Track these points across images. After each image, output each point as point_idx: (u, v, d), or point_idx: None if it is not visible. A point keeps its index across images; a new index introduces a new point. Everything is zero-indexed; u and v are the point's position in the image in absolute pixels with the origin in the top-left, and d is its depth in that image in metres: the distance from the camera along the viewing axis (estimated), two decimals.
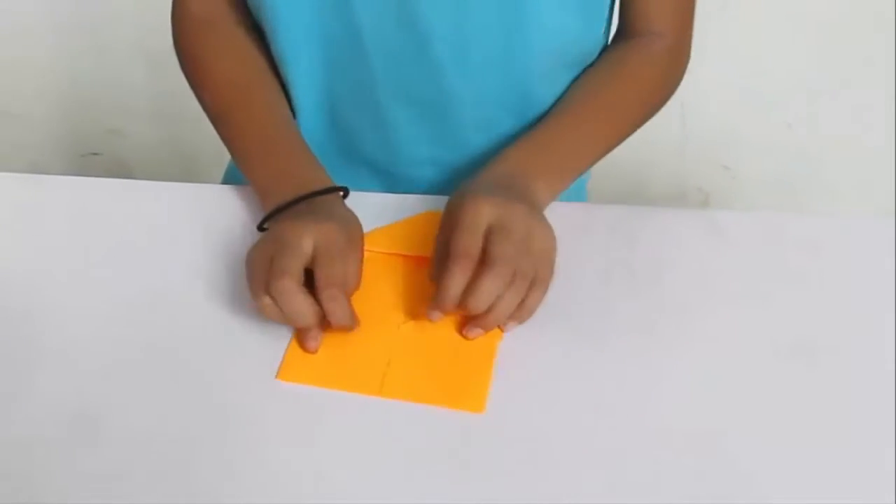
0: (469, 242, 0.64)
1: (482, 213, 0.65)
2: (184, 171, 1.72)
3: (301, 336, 0.64)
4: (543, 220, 0.68)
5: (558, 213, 0.71)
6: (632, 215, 0.78)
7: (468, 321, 0.65)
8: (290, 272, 0.62)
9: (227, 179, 0.94)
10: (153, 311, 0.67)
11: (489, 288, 0.63)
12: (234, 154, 0.77)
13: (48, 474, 0.56)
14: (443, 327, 0.65)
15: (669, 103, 0.83)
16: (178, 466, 0.57)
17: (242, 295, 0.68)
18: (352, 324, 0.63)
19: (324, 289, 0.62)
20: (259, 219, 0.70)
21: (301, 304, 0.62)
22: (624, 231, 0.75)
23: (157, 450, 0.58)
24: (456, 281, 0.63)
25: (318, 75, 0.78)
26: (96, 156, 1.83)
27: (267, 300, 0.63)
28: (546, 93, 0.79)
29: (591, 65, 0.81)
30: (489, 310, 0.64)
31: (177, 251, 0.72)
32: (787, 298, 0.70)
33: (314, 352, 0.63)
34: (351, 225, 0.68)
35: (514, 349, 0.65)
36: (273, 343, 0.65)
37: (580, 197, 0.94)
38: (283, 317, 0.63)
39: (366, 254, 0.68)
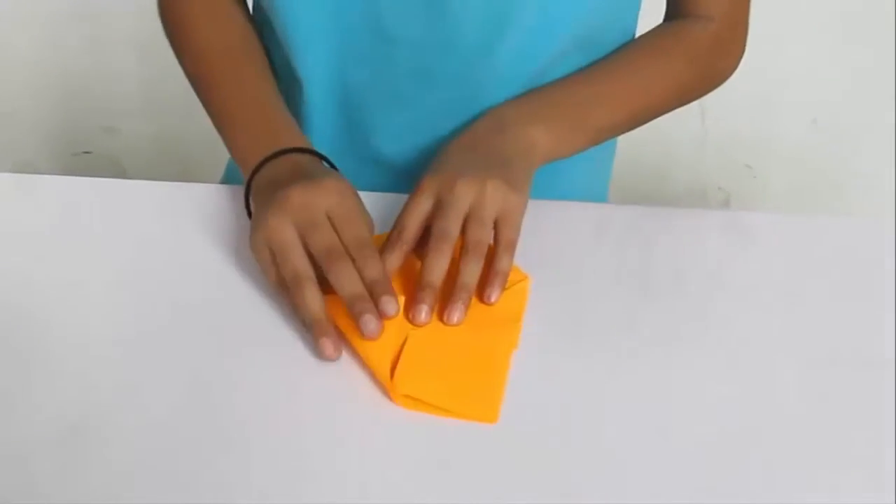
0: (405, 223, 0.67)
1: (423, 192, 0.68)
2: (180, 170, 1.72)
3: (320, 339, 0.63)
4: (502, 181, 0.68)
5: (569, 214, 0.71)
6: (648, 216, 0.77)
7: (444, 304, 0.65)
8: (303, 266, 0.64)
9: (227, 179, 0.94)
10: (150, 316, 0.67)
11: (429, 265, 0.65)
12: (214, 121, 0.79)
13: (43, 485, 0.56)
14: (455, 333, 0.66)
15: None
16: (182, 477, 0.57)
17: (243, 298, 0.68)
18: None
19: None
20: None
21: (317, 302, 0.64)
22: (640, 233, 0.75)
23: (160, 458, 0.58)
24: (385, 261, 0.65)
25: (333, 66, 0.78)
26: (89, 154, 1.83)
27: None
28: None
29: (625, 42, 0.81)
30: (455, 286, 0.65)
31: (174, 254, 0.72)
32: (817, 306, 0.70)
33: (335, 358, 0.63)
34: (349, 185, 0.69)
35: (526, 357, 0.65)
36: (274, 348, 0.65)
37: (601, 197, 0.93)
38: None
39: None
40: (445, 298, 0.66)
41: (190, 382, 0.63)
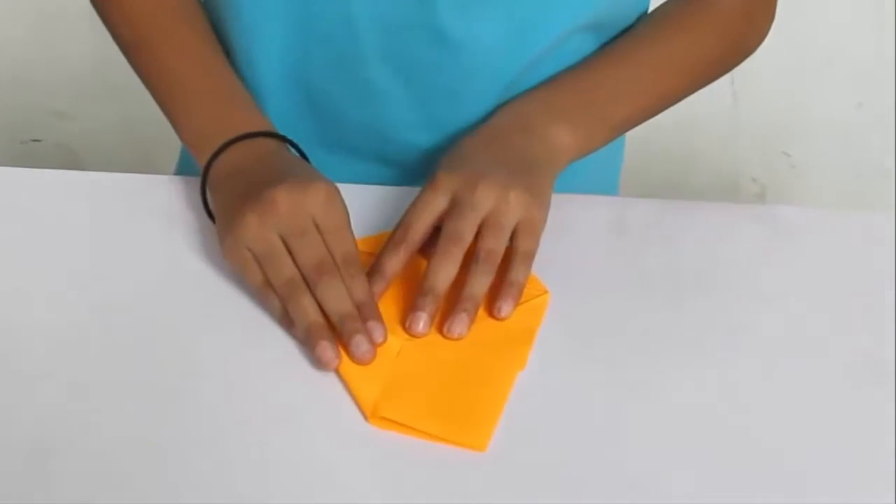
0: (413, 221, 0.67)
1: (438, 189, 0.68)
2: (141, 159, 1.71)
3: (317, 349, 0.64)
4: (525, 189, 0.68)
5: (581, 209, 0.72)
6: (673, 211, 0.77)
7: (446, 315, 0.66)
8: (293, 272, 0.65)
9: (182, 168, 0.94)
10: (106, 320, 0.67)
11: (434, 268, 0.65)
12: (156, 96, 0.78)
13: None
14: (455, 349, 0.65)
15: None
16: (145, 491, 0.58)
17: (209, 298, 0.68)
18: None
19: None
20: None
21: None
22: (663, 231, 0.76)
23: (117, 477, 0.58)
24: (387, 263, 0.66)
25: (291, 49, 0.78)
26: (38, 142, 1.83)
27: (275, 305, 0.66)
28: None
29: (641, 17, 0.81)
30: (461, 296, 0.65)
31: (134, 253, 0.72)
32: (863, 311, 0.70)
33: (335, 368, 0.64)
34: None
35: (527, 374, 0.65)
36: (249, 352, 0.65)
37: (611, 188, 0.94)
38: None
39: (364, 257, 0.69)
40: (448, 309, 0.66)
41: (152, 389, 0.63)
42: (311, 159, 0.75)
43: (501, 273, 0.67)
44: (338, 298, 0.64)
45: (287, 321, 0.66)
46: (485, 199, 0.67)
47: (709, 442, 0.61)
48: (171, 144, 0.85)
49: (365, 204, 0.75)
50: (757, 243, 0.75)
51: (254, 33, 0.78)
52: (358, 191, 0.75)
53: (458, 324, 0.65)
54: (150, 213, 0.76)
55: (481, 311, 0.67)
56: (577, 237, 0.74)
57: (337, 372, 0.64)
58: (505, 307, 0.67)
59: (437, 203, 0.68)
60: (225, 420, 0.61)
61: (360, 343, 0.63)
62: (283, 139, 0.74)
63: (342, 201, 0.68)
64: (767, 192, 1.78)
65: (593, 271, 0.72)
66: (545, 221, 0.70)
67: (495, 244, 0.67)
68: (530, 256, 0.68)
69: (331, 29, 0.76)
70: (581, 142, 0.74)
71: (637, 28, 0.81)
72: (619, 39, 0.80)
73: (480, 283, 0.66)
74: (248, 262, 0.67)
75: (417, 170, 0.82)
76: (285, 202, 0.66)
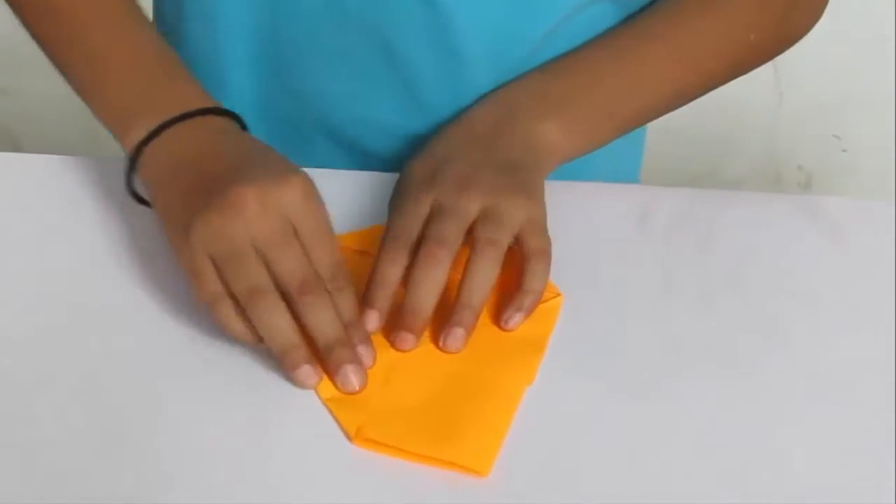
0: (401, 226, 0.67)
1: (419, 200, 0.67)
2: (86, 139, 1.71)
3: (299, 375, 0.63)
4: (516, 187, 0.68)
5: (601, 199, 0.71)
6: (704, 202, 0.78)
7: (439, 327, 0.65)
8: (265, 284, 0.62)
9: None
10: (47, 319, 0.67)
11: (417, 280, 0.64)
12: (65, 70, 0.76)
13: None
14: (454, 360, 0.65)
15: None
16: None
17: (164, 298, 0.68)
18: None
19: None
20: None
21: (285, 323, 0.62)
22: (694, 224, 0.75)
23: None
24: (380, 273, 0.65)
25: (257, 13, 0.77)
26: None
27: (235, 321, 0.63)
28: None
29: None
30: (457, 302, 0.65)
31: (78, 244, 0.72)
32: None
33: (314, 387, 0.63)
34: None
35: (536, 388, 0.64)
36: (200, 357, 0.65)
37: (630, 177, 0.93)
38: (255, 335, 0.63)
39: (350, 255, 0.69)
40: (443, 318, 0.65)
41: (94, 397, 0.62)
42: (279, 143, 0.73)
43: (506, 283, 0.67)
44: (326, 322, 0.62)
45: (250, 338, 0.63)
46: (472, 203, 0.66)
47: (742, 463, 0.61)
48: None
49: (346, 192, 0.74)
50: (800, 239, 0.75)
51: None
52: (337, 177, 0.75)
53: (453, 340, 0.65)
54: (99, 199, 0.76)
55: (485, 317, 0.67)
56: (595, 231, 0.74)
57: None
58: (514, 319, 0.66)
59: (421, 210, 0.67)
60: (175, 431, 0.61)
61: (350, 375, 0.62)
62: (233, 116, 0.72)
63: (318, 196, 0.66)
64: (814, 181, 1.79)
65: (613, 270, 0.72)
66: (546, 220, 0.69)
67: (496, 233, 0.66)
68: (546, 255, 0.67)
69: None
70: (577, 140, 0.73)
71: (659, 4, 0.79)
72: (638, 17, 0.78)
73: (480, 284, 0.65)
74: (203, 270, 0.63)
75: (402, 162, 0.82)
76: (255, 202, 0.63)
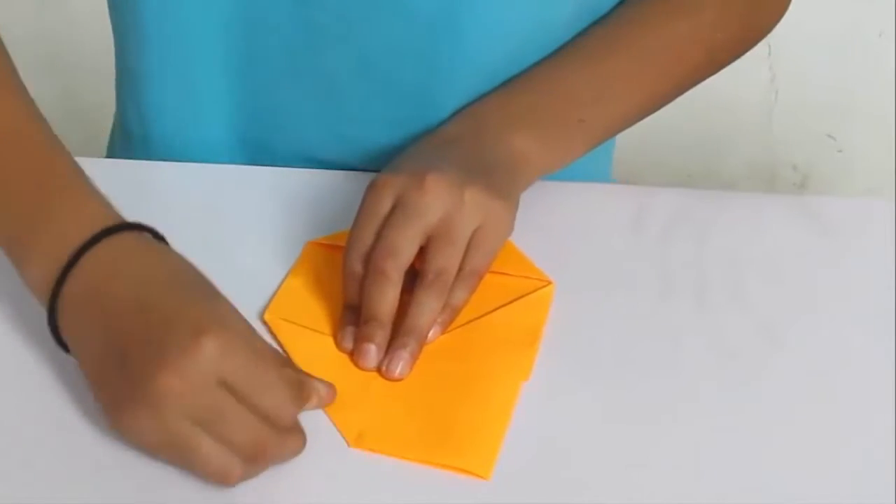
0: (360, 238, 0.66)
1: (380, 191, 0.66)
2: (84, 140, 1.71)
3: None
4: (483, 188, 0.66)
5: (594, 198, 0.71)
6: (699, 203, 0.77)
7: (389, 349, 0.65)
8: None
9: (113, 150, 0.94)
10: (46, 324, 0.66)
11: (367, 294, 0.64)
12: None
13: None
14: (449, 357, 0.66)
15: (754, 48, 0.83)
16: None
17: None
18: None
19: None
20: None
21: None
22: (689, 224, 0.75)
23: None
24: (348, 292, 0.66)
25: (231, 31, 0.75)
26: None
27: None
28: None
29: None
30: (402, 327, 0.64)
31: None
32: None
33: None
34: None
35: (532, 389, 0.64)
36: None
37: (601, 174, 0.92)
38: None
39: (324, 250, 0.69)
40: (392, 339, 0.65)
41: (88, 400, 0.62)
42: (254, 163, 0.72)
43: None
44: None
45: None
46: (434, 200, 0.65)
47: (740, 462, 0.61)
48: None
49: (342, 191, 0.75)
50: (796, 239, 0.75)
51: (186, 11, 0.76)
52: (333, 177, 0.75)
53: (397, 362, 0.64)
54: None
55: (476, 310, 0.67)
56: (589, 231, 0.74)
57: None
58: (431, 334, 0.66)
59: (380, 208, 0.66)
60: None
61: None
62: (141, 228, 0.64)
63: (241, 336, 0.59)
64: (809, 181, 1.79)
65: (607, 271, 0.72)
66: (511, 225, 0.68)
67: (446, 262, 0.65)
68: (477, 275, 0.67)
69: (276, 8, 0.74)
70: (550, 151, 0.72)
71: (622, 10, 0.78)
72: (602, 24, 0.78)
73: (425, 313, 0.65)
74: (175, 442, 0.57)
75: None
76: (178, 386, 0.56)
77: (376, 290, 0.64)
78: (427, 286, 0.65)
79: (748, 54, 0.82)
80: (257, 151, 0.79)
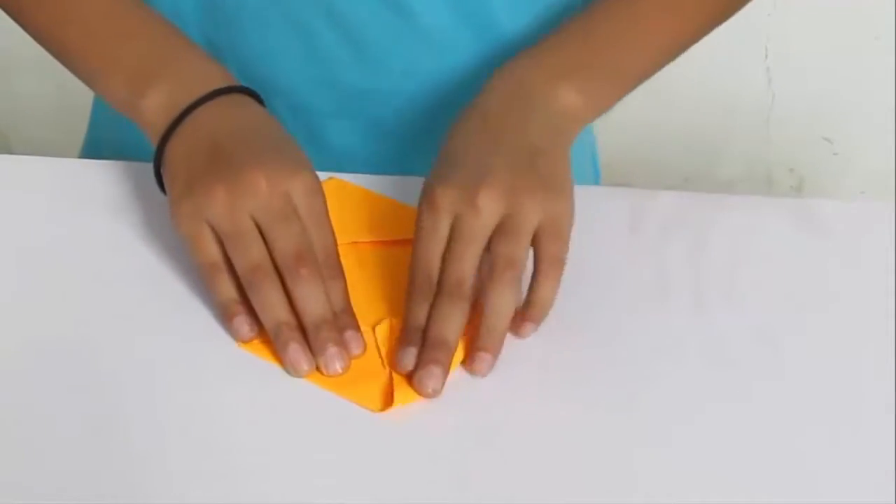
0: (427, 260, 0.66)
1: (438, 213, 0.66)
2: (82, 139, 1.71)
3: (289, 353, 0.64)
4: (538, 183, 0.67)
5: (591, 201, 0.71)
6: (696, 205, 0.78)
7: (469, 352, 0.66)
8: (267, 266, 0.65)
9: (89, 149, 0.95)
10: (46, 324, 0.67)
11: (436, 322, 0.65)
12: (69, 59, 0.76)
13: None
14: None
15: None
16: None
17: (160, 296, 0.69)
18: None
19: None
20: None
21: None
22: (685, 227, 0.76)
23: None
24: (413, 313, 0.66)
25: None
26: None
27: (227, 290, 0.66)
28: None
29: None
30: (484, 328, 0.65)
31: (71, 248, 0.72)
32: None
33: (305, 373, 0.65)
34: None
35: (525, 392, 0.65)
36: (214, 356, 0.66)
37: (592, 177, 0.92)
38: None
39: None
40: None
41: (89, 393, 0.63)
42: None
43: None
44: (315, 299, 0.65)
45: (232, 310, 0.66)
46: (489, 219, 0.66)
47: (737, 464, 0.61)
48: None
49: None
50: (793, 242, 0.76)
51: None
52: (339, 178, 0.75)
53: (480, 363, 0.65)
54: (91, 201, 0.76)
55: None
56: (586, 234, 0.73)
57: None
58: (526, 330, 0.67)
59: (440, 230, 0.67)
60: (177, 423, 0.62)
61: (333, 358, 0.64)
62: (252, 94, 0.73)
63: (324, 195, 0.69)
64: (805, 184, 1.79)
65: (603, 273, 0.72)
66: (573, 215, 0.68)
67: (514, 250, 0.65)
68: (559, 263, 0.67)
69: None
70: (593, 100, 0.73)
71: None
72: None
73: (503, 310, 0.65)
74: (205, 236, 0.66)
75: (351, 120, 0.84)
76: (265, 183, 0.66)
77: (447, 315, 0.65)
78: (497, 278, 0.65)
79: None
80: None
